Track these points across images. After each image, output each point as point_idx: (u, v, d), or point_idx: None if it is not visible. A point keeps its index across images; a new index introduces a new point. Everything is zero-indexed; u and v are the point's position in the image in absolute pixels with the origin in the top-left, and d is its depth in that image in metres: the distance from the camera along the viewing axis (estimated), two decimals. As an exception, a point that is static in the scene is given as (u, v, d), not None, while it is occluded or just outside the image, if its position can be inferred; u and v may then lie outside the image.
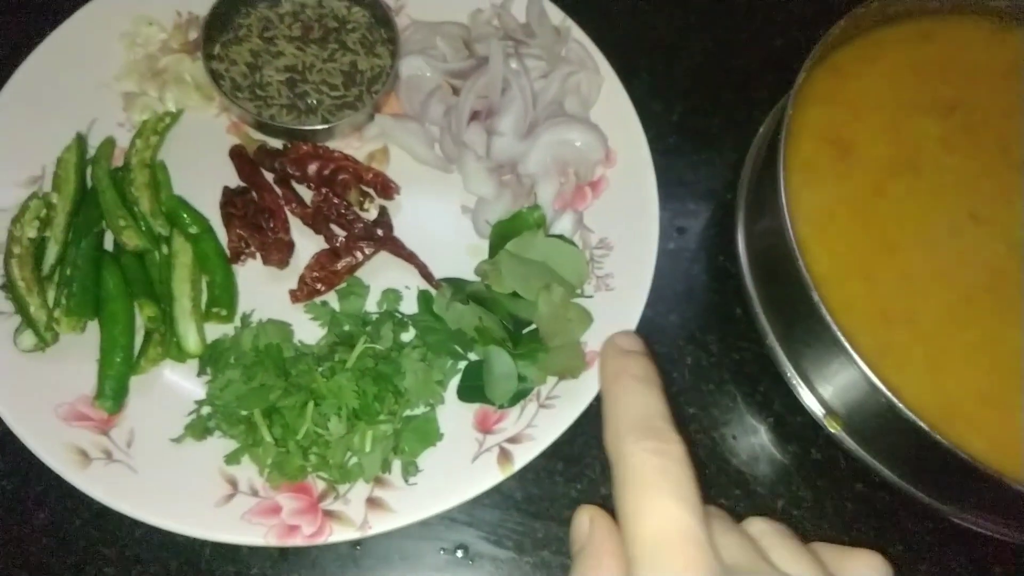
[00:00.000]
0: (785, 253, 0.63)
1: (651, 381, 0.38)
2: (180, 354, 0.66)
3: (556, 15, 0.80)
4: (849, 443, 0.67)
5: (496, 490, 0.64)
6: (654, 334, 0.72)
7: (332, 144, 0.76)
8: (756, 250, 0.72)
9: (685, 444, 0.33)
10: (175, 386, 0.66)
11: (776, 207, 0.64)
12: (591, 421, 0.67)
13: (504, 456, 0.64)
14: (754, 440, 0.71)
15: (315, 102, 0.76)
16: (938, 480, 0.67)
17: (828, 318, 0.60)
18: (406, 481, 0.63)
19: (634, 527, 0.31)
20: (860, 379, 0.60)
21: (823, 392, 0.68)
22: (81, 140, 0.72)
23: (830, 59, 0.74)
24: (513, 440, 0.65)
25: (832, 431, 0.67)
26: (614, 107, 0.77)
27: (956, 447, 0.58)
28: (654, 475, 0.32)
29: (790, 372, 0.69)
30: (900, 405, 0.58)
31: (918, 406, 0.59)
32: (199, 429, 0.64)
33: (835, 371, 0.65)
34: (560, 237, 0.72)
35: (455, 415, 0.67)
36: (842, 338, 0.60)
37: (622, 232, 0.73)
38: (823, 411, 0.68)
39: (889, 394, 0.59)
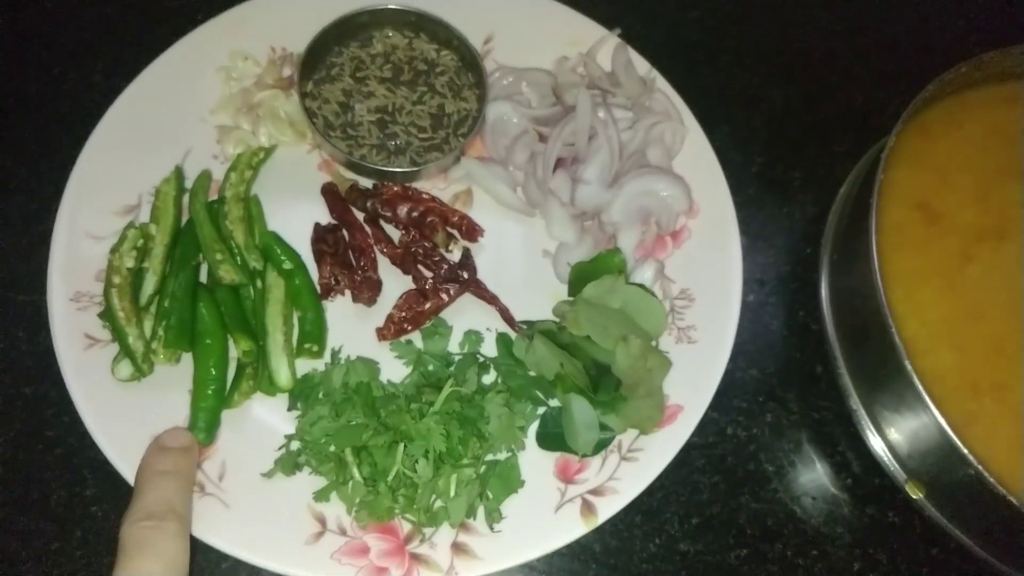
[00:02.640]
0: (874, 316, 0.64)
1: (174, 474, 0.53)
2: (271, 388, 0.67)
3: (642, 65, 0.81)
4: (930, 510, 0.67)
5: (575, 540, 0.65)
6: (734, 388, 0.72)
7: (418, 185, 0.77)
8: (841, 309, 0.72)
9: (181, 523, 0.48)
10: (265, 420, 0.67)
11: (867, 270, 0.64)
12: (671, 475, 0.67)
13: (587, 508, 0.65)
14: (832, 501, 0.71)
15: (404, 143, 0.77)
16: (1019, 550, 0.67)
17: (919, 386, 0.60)
18: (491, 528, 0.64)
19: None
20: (947, 448, 0.61)
21: (905, 457, 0.68)
22: (180, 172, 0.73)
23: (917, 120, 0.74)
24: (596, 492, 0.65)
25: (914, 497, 0.67)
26: (697, 158, 0.78)
27: (1043, 521, 0.58)
28: (138, 545, 0.46)
29: (872, 435, 0.69)
30: (989, 477, 0.59)
31: (1004, 477, 0.59)
32: (289, 464, 0.65)
33: (920, 437, 0.65)
34: (640, 286, 0.73)
35: (535, 463, 0.67)
36: (933, 407, 0.60)
37: (704, 284, 0.74)
38: (904, 476, 0.68)
39: (978, 465, 0.59)
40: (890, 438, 0.69)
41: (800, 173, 0.83)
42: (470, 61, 0.79)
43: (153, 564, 0.45)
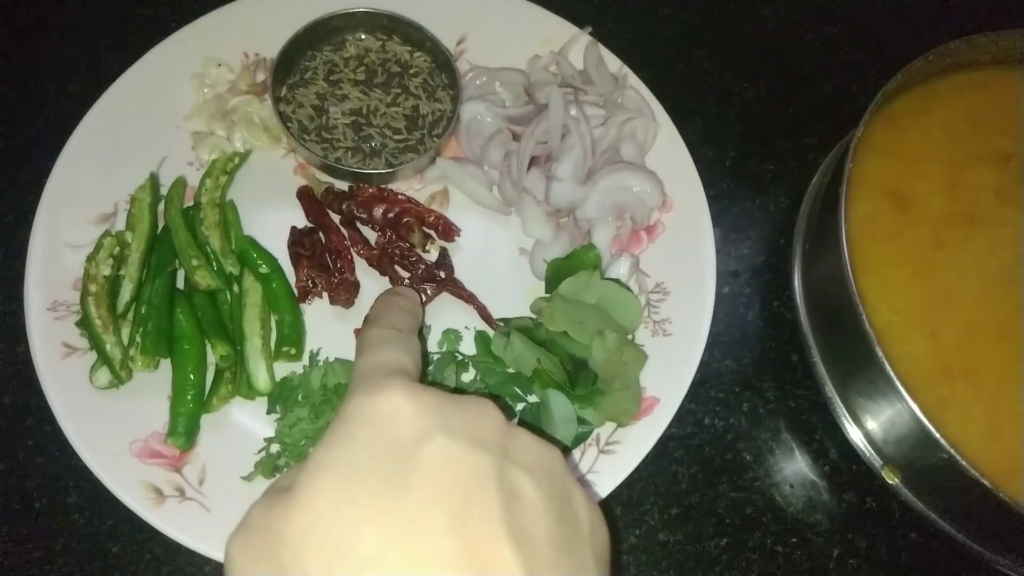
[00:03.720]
0: (845, 304, 0.64)
1: (406, 310, 0.52)
2: (250, 392, 0.68)
3: (613, 62, 0.82)
4: (906, 495, 0.68)
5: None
6: (711, 379, 0.73)
7: (394, 186, 0.78)
8: (814, 298, 0.73)
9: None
10: (245, 424, 0.68)
11: (837, 259, 0.65)
12: (649, 466, 0.68)
13: (567, 501, 0.65)
14: (810, 488, 0.71)
15: (379, 145, 0.77)
16: (995, 533, 0.68)
17: (891, 373, 0.61)
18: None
19: (364, 360, 0.43)
20: (920, 433, 0.61)
21: (881, 443, 0.69)
22: (154, 180, 0.73)
23: (886, 110, 0.75)
24: (575, 485, 0.66)
25: (890, 482, 0.68)
26: (670, 153, 0.79)
27: (1016, 503, 0.59)
28: (386, 340, 0.44)
29: (847, 422, 0.70)
30: (962, 461, 0.59)
31: (978, 461, 0.60)
32: (269, 467, 0.65)
33: (894, 423, 0.66)
34: (616, 281, 0.74)
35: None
36: (905, 394, 0.61)
37: (678, 277, 0.74)
38: (880, 462, 0.69)
39: (951, 450, 0.59)
40: (865, 425, 0.69)
41: (773, 165, 0.84)
42: (443, 62, 0.80)
43: (405, 356, 0.42)
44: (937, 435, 0.60)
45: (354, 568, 0.30)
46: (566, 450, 0.67)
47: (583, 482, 0.66)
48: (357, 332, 0.71)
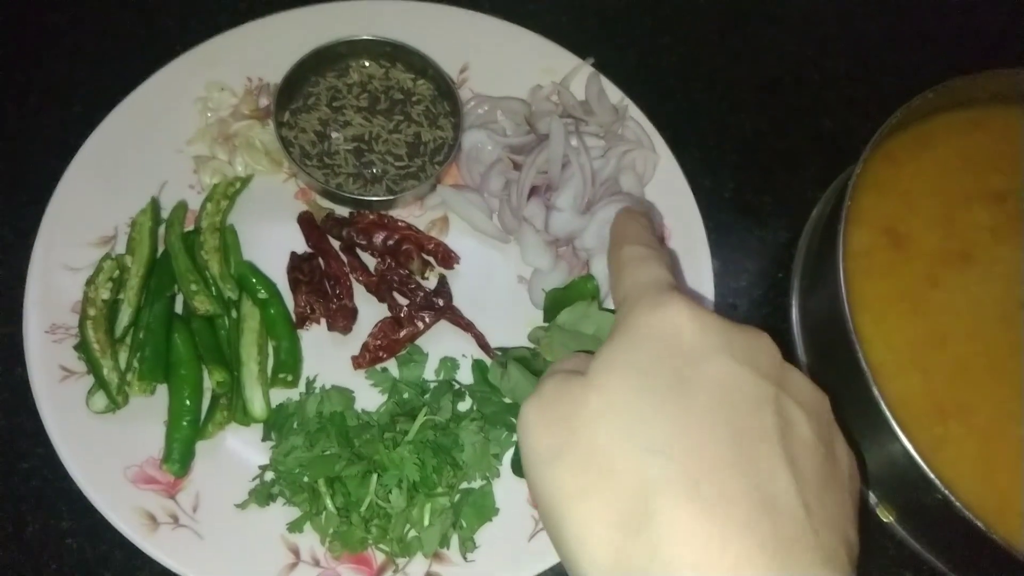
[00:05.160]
0: (842, 341, 0.65)
1: (647, 227, 0.49)
2: (245, 418, 0.68)
3: (615, 94, 0.82)
4: (900, 533, 0.68)
5: (548, 568, 0.65)
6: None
7: (394, 212, 0.78)
8: (810, 333, 0.73)
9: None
10: (239, 451, 0.68)
11: (835, 296, 0.65)
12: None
13: (561, 534, 0.65)
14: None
15: (380, 171, 0.78)
16: (988, 573, 0.68)
17: (887, 412, 0.61)
18: (464, 557, 0.64)
19: (633, 277, 0.42)
20: (914, 473, 0.61)
21: (875, 480, 0.69)
22: (156, 204, 0.74)
23: (883, 146, 0.76)
24: (569, 518, 0.66)
25: (884, 520, 0.68)
26: (669, 185, 0.79)
27: (1009, 543, 0.59)
28: (649, 256, 0.43)
29: (842, 457, 0.70)
30: (956, 502, 0.59)
31: (972, 501, 0.60)
32: (263, 495, 0.65)
33: (888, 461, 0.66)
34: (614, 312, 0.74)
35: (510, 491, 0.68)
36: (900, 434, 0.61)
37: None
38: (875, 499, 0.69)
39: (945, 490, 0.60)
40: (863, 465, 0.69)
41: (771, 198, 0.84)
42: (446, 90, 0.80)
43: (668, 272, 0.42)
44: (932, 475, 0.60)
45: (642, 452, 0.32)
46: None
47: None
48: (354, 359, 0.72)
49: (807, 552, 0.31)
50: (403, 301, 0.74)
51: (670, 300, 0.37)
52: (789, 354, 0.75)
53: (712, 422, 0.33)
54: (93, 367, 0.66)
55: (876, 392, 0.62)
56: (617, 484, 0.32)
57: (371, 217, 0.76)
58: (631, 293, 0.41)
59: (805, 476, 0.34)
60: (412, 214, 0.79)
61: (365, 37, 0.79)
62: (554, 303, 0.75)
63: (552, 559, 0.64)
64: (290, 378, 0.69)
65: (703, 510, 0.31)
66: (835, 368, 0.70)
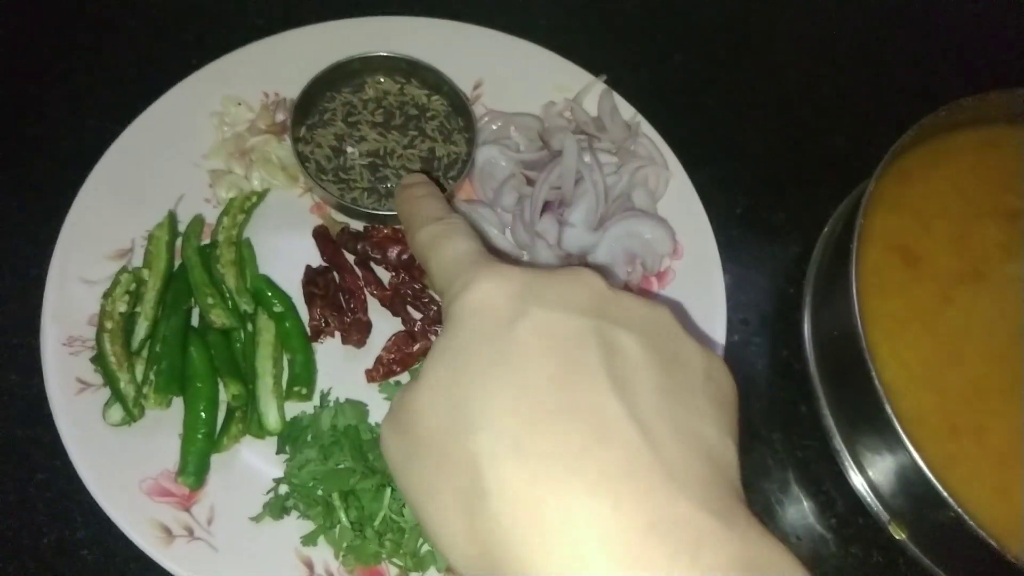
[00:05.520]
0: (855, 358, 0.65)
1: (430, 195, 0.50)
2: (260, 431, 0.68)
3: (627, 110, 0.83)
4: (913, 550, 0.68)
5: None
6: (719, 429, 0.73)
7: (408, 226, 0.78)
8: (823, 350, 0.73)
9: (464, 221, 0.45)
10: (254, 464, 0.68)
11: (848, 314, 0.66)
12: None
13: (574, 550, 0.65)
14: (817, 540, 0.71)
15: (394, 186, 0.78)
16: (1001, 592, 0.67)
17: (900, 430, 0.61)
18: (478, 571, 0.64)
19: (436, 262, 0.42)
20: (927, 490, 0.61)
21: (888, 497, 0.69)
22: (173, 218, 0.74)
23: (896, 164, 0.76)
24: (582, 533, 0.66)
25: (897, 537, 0.68)
26: (681, 201, 0.80)
27: (1022, 562, 0.59)
28: (438, 236, 0.43)
29: (855, 474, 0.70)
30: (969, 520, 0.59)
31: (985, 519, 0.60)
32: (277, 508, 0.65)
33: (902, 479, 0.66)
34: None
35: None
36: (913, 451, 0.61)
37: (689, 325, 0.75)
38: (887, 516, 0.69)
39: (958, 508, 0.59)
40: (873, 478, 0.70)
41: (783, 214, 0.85)
42: (460, 106, 0.81)
43: (467, 240, 0.42)
44: (944, 493, 0.60)
45: (466, 432, 0.32)
46: None
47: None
48: (368, 372, 0.72)
49: (645, 474, 0.30)
50: (417, 315, 0.75)
51: (476, 276, 0.37)
52: (800, 368, 0.75)
53: (529, 377, 0.33)
54: (110, 380, 0.67)
55: (889, 410, 0.62)
56: (453, 472, 0.32)
57: (385, 231, 0.77)
58: (440, 282, 0.41)
59: (639, 395, 0.33)
60: (426, 228, 0.79)
61: (381, 53, 0.80)
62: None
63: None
64: (304, 391, 0.70)
65: (529, 467, 0.30)
66: (848, 384, 0.70)
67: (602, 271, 0.39)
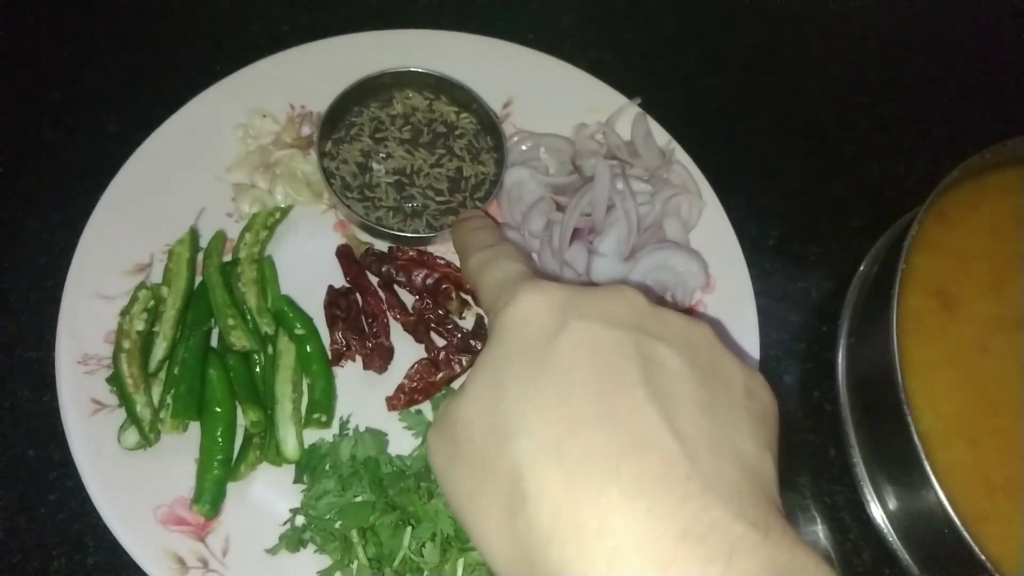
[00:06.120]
0: (891, 406, 0.63)
1: (484, 227, 0.53)
2: (278, 459, 0.66)
3: (661, 136, 0.81)
4: (942, 605, 0.67)
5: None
6: (746, 471, 0.71)
7: (432, 248, 0.77)
8: (856, 393, 0.71)
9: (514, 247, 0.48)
10: (270, 493, 0.66)
11: (885, 360, 0.64)
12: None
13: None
14: (842, 589, 0.70)
15: (420, 206, 0.76)
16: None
17: (936, 485, 0.60)
18: (498, 614, 0.63)
19: (485, 283, 0.44)
20: (962, 549, 0.60)
21: (918, 549, 0.67)
22: (194, 235, 0.72)
23: (936, 204, 0.74)
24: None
25: (926, 592, 0.66)
26: (715, 232, 0.78)
27: (1058, 626, 0.57)
28: (488, 261, 0.45)
29: (885, 526, 0.69)
30: (1004, 581, 0.58)
31: (1019, 579, 0.59)
32: (294, 541, 0.63)
33: (934, 533, 0.64)
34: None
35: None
36: (949, 507, 0.59)
37: (729, 342, 0.72)
38: (918, 570, 0.67)
39: (991, 567, 0.58)
40: (904, 530, 0.68)
41: (816, 247, 0.83)
42: (489, 125, 0.79)
43: (515, 263, 0.44)
44: (978, 552, 0.58)
45: (506, 439, 0.33)
46: None
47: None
48: (389, 400, 0.70)
49: (681, 482, 0.30)
50: (441, 342, 0.73)
51: (519, 291, 0.38)
52: (832, 410, 0.73)
53: (570, 387, 0.33)
54: (126, 402, 0.65)
55: (927, 464, 0.60)
56: (494, 477, 0.33)
57: (411, 254, 0.75)
58: (487, 300, 0.42)
59: (678, 406, 0.33)
60: (451, 250, 0.77)
61: (412, 69, 0.78)
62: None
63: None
64: (324, 418, 0.68)
65: (568, 472, 0.31)
66: (881, 431, 0.68)
67: (643, 288, 0.39)
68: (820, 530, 0.72)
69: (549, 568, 0.30)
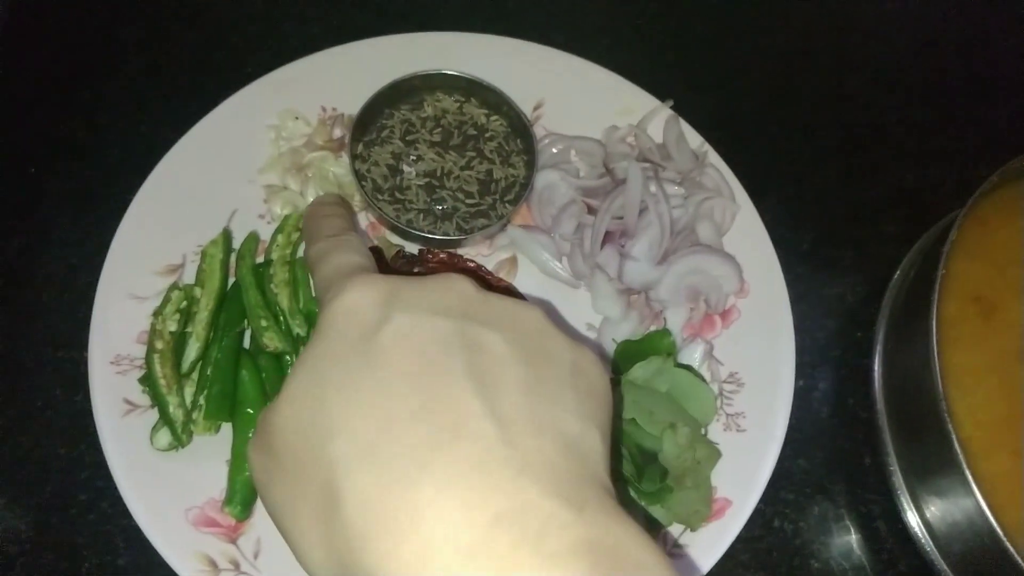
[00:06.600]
0: (929, 414, 0.62)
1: (335, 215, 0.51)
2: (308, 462, 0.66)
3: (694, 139, 0.80)
4: (982, 619, 0.65)
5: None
6: (782, 478, 0.70)
7: (462, 250, 0.76)
8: (894, 402, 0.70)
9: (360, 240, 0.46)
10: (302, 496, 0.66)
11: (924, 368, 0.63)
12: (714, 569, 0.65)
13: (630, 603, 0.63)
14: (878, 600, 0.69)
15: (450, 208, 0.76)
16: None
17: (979, 496, 0.59)
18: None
19: (319, 275, 0.43)
20: (1004, 560, 0.59)
21: (956, 560, 0.66)
22: (228, 236, 0.72)
23: (974, 209, 0.73)
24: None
25: (966, 606, 0.65)
26: (749, 237, 0.77)
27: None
28: (329, 250, 0.43)
29: (922, 535, 0.68)
30: (1050, 594, 0.57)
31: (1064, 594, 0.57)
32: (325, 544, 0.63)
33: (974, 544, 0.63)
34: (689, 369, 0.72)
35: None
36: (992, 520, 0.58)
37: (754, 368, 0.72)
38: (956, 581, 0.66)
39: (1037, 581, 0.57)
40: (940, 540, 0.67)
41: (850, 252, 0.82)
42: (519, 127, 0.78)
43: (351, 255, 0.43)
44: (1023, 564, 0.57)
45: (323, 441, 0.32)
46: None
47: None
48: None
49: (498, 468, 0.30)
50: (471, 346, 0.72)
51: (349, 283, 0.36)
52: (867, 417, 0.72)
53: (390, 382, 0.32)
54: (159, 403, 0.65)
55: (969, 475, 0.59)
56: (311, 483, 0.32)
57: (441, 256, 0.74)
58: (318, 292, 0.41)
59: (500, 391, 0.33)
60: (480, 253, 0.77)
61: (443, 71, 0.78)
62: (625, 355, 0.73)
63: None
64: (355, 422, 0.67)
65: (381, 471, 0.30)
66: (919, 439, 0.67)
67: (472, 274, 0.42)
68: (854, 540, 0.71)
69: (364, 570, 0.29)
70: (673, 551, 0.65)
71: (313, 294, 0.44)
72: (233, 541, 0.63)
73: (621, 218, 0.76)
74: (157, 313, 0.68)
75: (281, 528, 0.34)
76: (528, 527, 0.28)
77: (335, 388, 0.33)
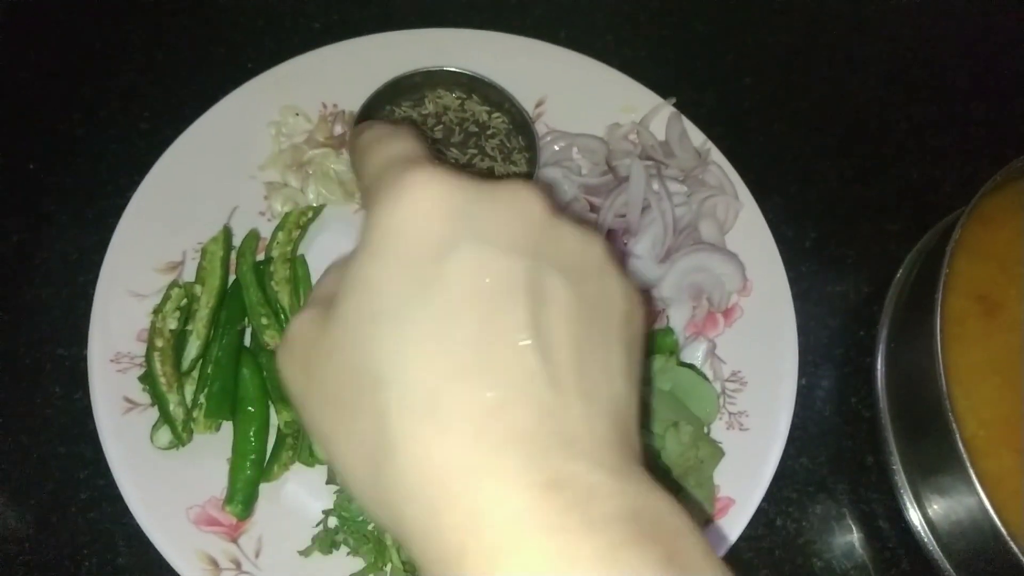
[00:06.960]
0: (932, 413, 0.62)
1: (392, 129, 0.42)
2: (311, 459, 0.66)
3: (697, 136, 0.80)
4: (986, 619, 0.65)
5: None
6: (784, 477, 0.70)
7: (464, 248, 0.76)
8: (897, 401, 0.70)
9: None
10: (303, 494, 0.66)
11: (928, 366, 0.63)
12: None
13: (633, 602, 0.63)
14: (881, 599, 0.69)
15: (452, 206, 0.75)
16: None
17: (983, 494, 0.59)
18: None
19: (369, 165, 0.36)
20: (1007, 558, 0.59)
21: (959, 559, 0.66)
22: (228, 233, 0.72)
23: (978, 207, 0.73)
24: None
25: (969, 606, 0.65)
26: (751, 234, 0.77)
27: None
28: (384, 135, 0.37)
29: (924, 534, 0.67)
30: (1054, 594, 0.57)
31: (1068, 594, 0.57)
32: (326, 543, 0.63)
33: (977, 542, 0.63)
34: (692, 367, 0.71)
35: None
36: (996, 519, 0.58)
37: (757, 366, 0.72)
38: (960, 582, 0.66)
39: (1042, 580, 0.57)
40: (943, 539, 0.67)
41: (854, 251, 0.81)
42: (521, 124, 0.78)
43: (408, 142, 0.36)
44: (1026, 562, 0.57)
45: (378, 383, 0.30)
46: None
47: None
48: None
49: (551, 436, 0.30)
50: (473, 344, 0.72)
51: (410, 184, 0.32)
52: (870, 416, 0.72)
53: (451, 329, 0.30)
54: (159, 401, 0.65)
55: (973, 474, 0.59)
56: (356, 421, 0.31)
57: (443, 254, 0.74)
58: (370, 184, 0.35)
59: (559, 349, 0.31)
60: (483, 251, 0.77)
61: (445, 69, 0.77)
62: (628, 353, 0.73)
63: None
64: (357, 420, 0.67)
65: (436, 427, 0.29)
66: (922, 439, 0.67)
67: (546, 189, 0.37)
68: (857, 538, 0.71)
69: (414, 521, 0.29)
70: (676, 550, 0.64)
71: (360, 191, 0.38)
72: (234, 540, 0.63)
73: (623, 216, 0.76)
74: (157, 311, 0.68)
75: (324, 446, 0.33)
76: (576, 495, 0.29)
77: (391, 325, 0.30)
